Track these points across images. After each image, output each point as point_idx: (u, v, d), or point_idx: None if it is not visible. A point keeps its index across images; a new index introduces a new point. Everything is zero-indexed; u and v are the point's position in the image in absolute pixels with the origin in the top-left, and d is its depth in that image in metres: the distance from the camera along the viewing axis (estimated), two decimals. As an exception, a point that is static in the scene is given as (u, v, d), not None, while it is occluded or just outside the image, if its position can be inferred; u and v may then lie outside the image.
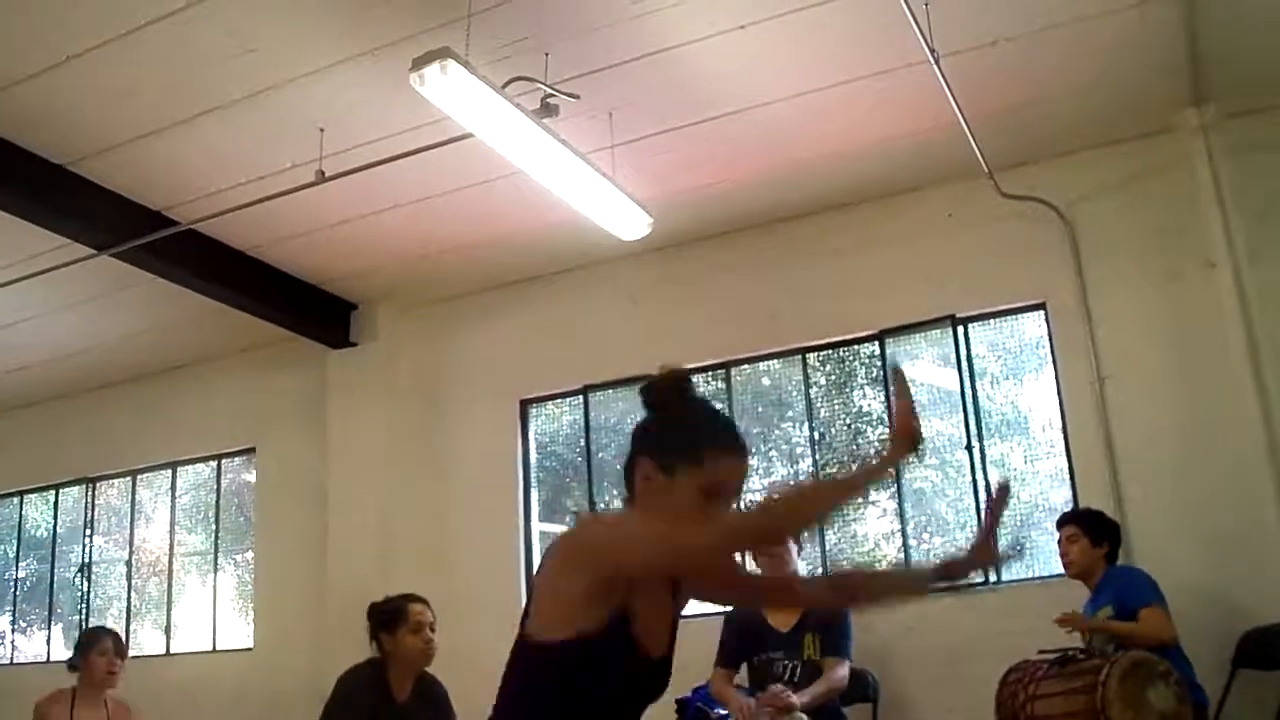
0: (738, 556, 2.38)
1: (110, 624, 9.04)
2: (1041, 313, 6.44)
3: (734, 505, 2.42)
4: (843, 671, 5.47)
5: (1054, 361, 6.34)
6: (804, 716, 4.94)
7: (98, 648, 5.63)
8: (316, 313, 7.88)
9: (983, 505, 2.81)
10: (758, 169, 6.36)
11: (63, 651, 9.31)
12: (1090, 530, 5.31)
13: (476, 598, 7.51)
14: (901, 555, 6.52)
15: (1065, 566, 5.38)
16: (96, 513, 9.61)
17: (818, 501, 2.40)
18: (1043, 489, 6.35)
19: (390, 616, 4.70)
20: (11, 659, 9.82)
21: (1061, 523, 5.45)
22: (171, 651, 8.82)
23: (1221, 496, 5.70)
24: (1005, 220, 6.33)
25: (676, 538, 2.20)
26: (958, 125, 5.39)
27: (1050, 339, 6.38)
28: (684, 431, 2.41)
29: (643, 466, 2.42)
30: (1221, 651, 5.28)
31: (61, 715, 5.52)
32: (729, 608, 5.65)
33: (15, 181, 5.78)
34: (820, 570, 6.67)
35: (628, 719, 2.43)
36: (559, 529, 7.77)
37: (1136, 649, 4.52)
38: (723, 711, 5.37)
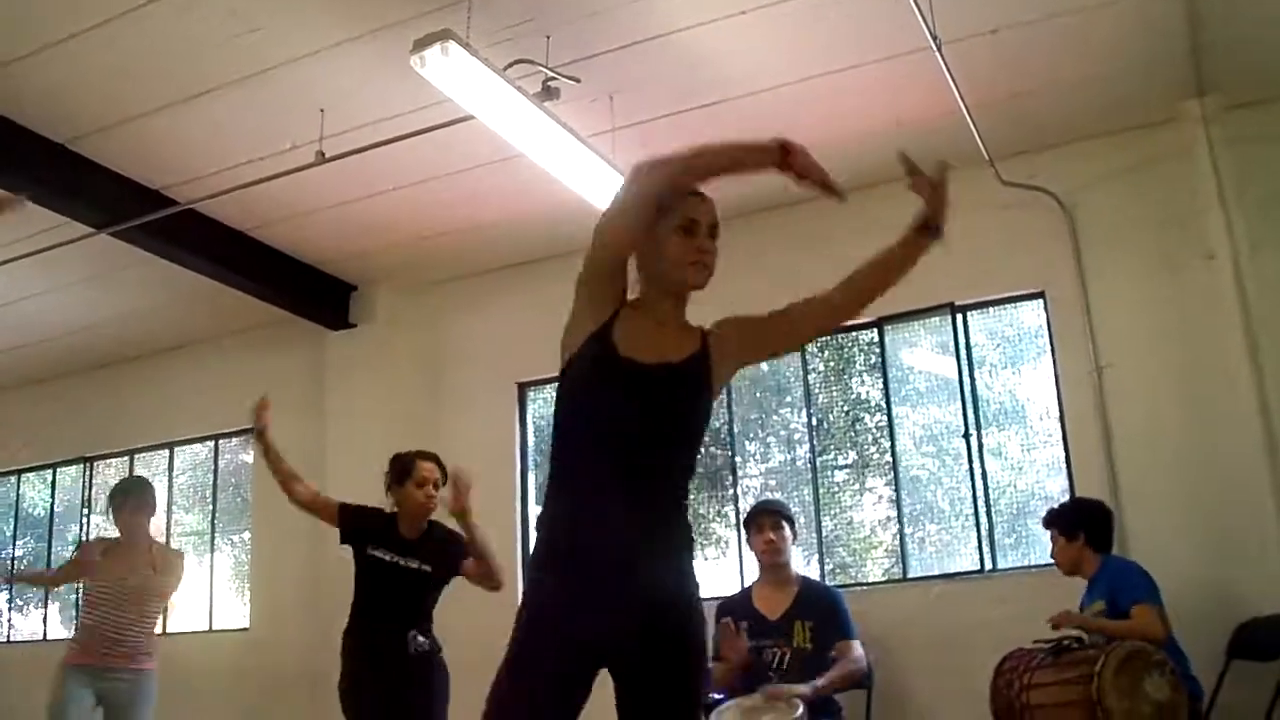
0: None
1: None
2: (1040, 302, 6.44)
3: (711, 235, 2.95)
4: (859, 652, 5.50)
5: (1052, 351, 6.34)
6: (801, 703, 4.94)
7: (128, 504, 5.95)
8: (315, 294, 7.88)
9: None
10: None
11: (59, 629, 9.35)
12: (1063, 527, 5.33)
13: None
14: (897, 543, 6.53)
15: (1058, 567, 5.40)
16: (94, 492, 9.61)
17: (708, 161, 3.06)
18: (1039, 478, 6.35)
19: (401, 469, 5.19)
20: (8, 637, 9.85)
21: (1044, 525, 5.46)
22: (168, 631, 8.82)
23: (1218, 487, 5.71)
24: (1005, 209, 6.32)
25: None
26: (959, 113, 5.38)
27: (1049, 328, 6.38)
28: None
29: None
30: (1216, 642, 5.28)
31: (95, 553, 5.90)
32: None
33: (15, 159, 5.77)
34: (817, 557, 6.68)
35: (650, 431, 2.73)
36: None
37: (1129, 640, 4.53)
38: (717, 696, 5.38)
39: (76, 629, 5.93)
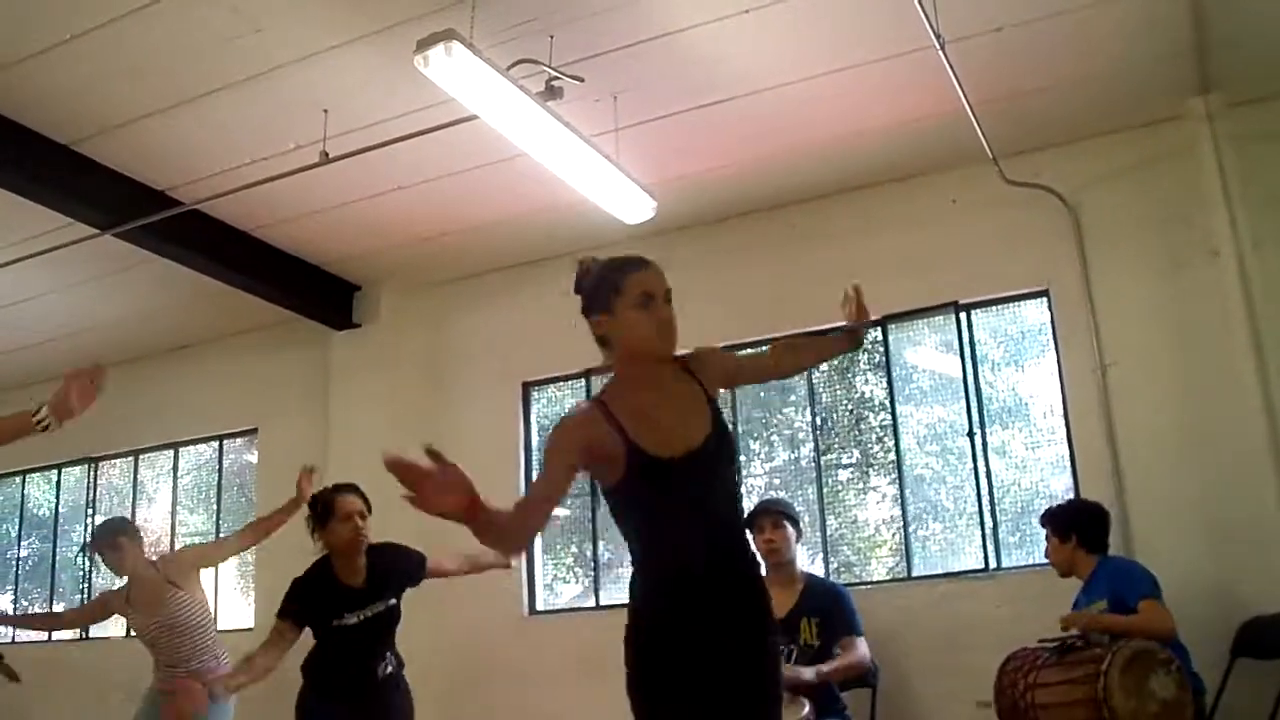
0: None
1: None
2: (1044, 300, 6.43)
3: (667, 300, 3.10)
4: (864, 649, 5.52)
5: (1056, 349, 6.34)
6: (807, 704, 4.94)
7: (121, 540, 6.01)
8: (319, 294, 7.89)
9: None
10: (762, 153, 6.35)
11: (64, 632, 9.35)
12: (1056, 529, 5.34)
13: (477, 580, 7.50)
14: (901, 542, 6.52)
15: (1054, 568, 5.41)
16: (99, 492, 9.63)
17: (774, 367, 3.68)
18: (1044, 477, 6.34)
19: (323, 511, 5.05)
20: (13, 637, 9.84)
21: (1040, 524, 5.47)
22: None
23: (1222, 485, 5.71)
24: (1009, 207, 6.33)
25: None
26: (963, 111, 5.38)
27: (1053, 326, 6.37)
28: (600, 280, 3.12)
29: (595, 324, 3.12)
30: (1220, 640, 5.28)
31: (118, 600, 6.08)
32: None
33: (18, 161, 5.77)
34: (821, 556, 6.68)
35: (713, 495, 3.06)
36: (561, 512, 7.79)
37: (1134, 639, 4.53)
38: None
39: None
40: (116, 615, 6.27)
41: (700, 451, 3.01)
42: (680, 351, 3.17)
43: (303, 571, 5.12)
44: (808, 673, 5.14)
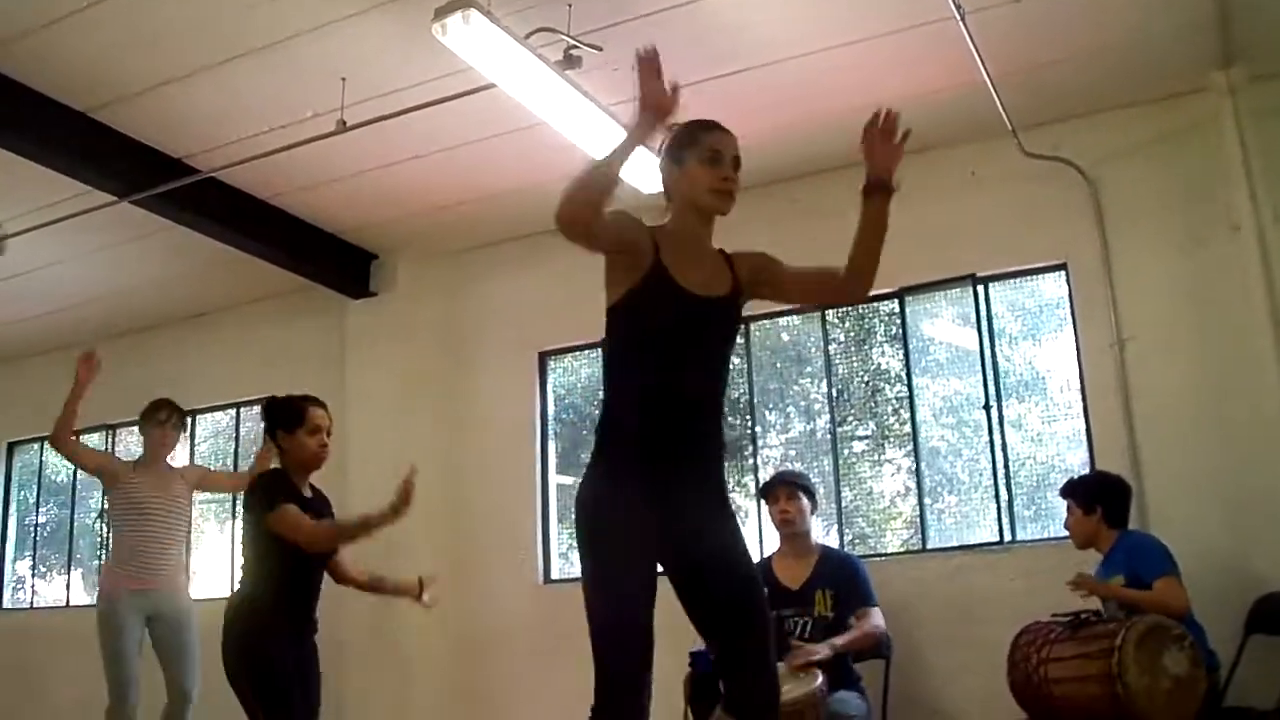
0: None
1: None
2: (1062, 273, 6.41)
3: (734, 166, 3.39)
4: (878, 620, 5.52)
5: (1074, 323, 6.32)
6: (820, 673, 4.95)
7: (156, 419, 6.32)
8: (336, 262, 7.90)
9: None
10: (780, 123, 6.33)
11: (82, 596, 9.41)
12: (1080, 500, 5.32)
13: (493, 549, 7.57)
14: (917, 514, 6.53)
15: (1072, 539, 5.40)
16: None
17: None
18: (1059, 450, 6.33)
19: (290, 416, 4.76)
20: (31, 603, 9.91)
21: (1061, 495, 5.46)
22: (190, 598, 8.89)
23: (1239, 462, 5.69)
24: (1028, 180, 6.30)
25: None
26: (982, 83, 5.35)
27: (1071, 300, 6.35)
28: (678, 135, 3.39)
29: (664, 173, 3.41)
30: (1235, 616, 5.27)
31: (122, 469, 6.25)
32: None
33: (36, 128, 5.78)
34: (836, 527, 6.69)
35: (703, 357, 3.24)
36: (576, 481, 7.81)
37: (1149, 614, 4.53)
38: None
39: (114, 550, 6.07)
40: (104, 474, 6.36)
41: (711, 302, 3.24)
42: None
43: (264, 474, 4.89)
44: (821, 649, 5.14)
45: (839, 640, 5.28)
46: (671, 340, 3.14)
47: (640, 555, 3.03)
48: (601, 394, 3.27)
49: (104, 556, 9.45)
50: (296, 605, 4.66)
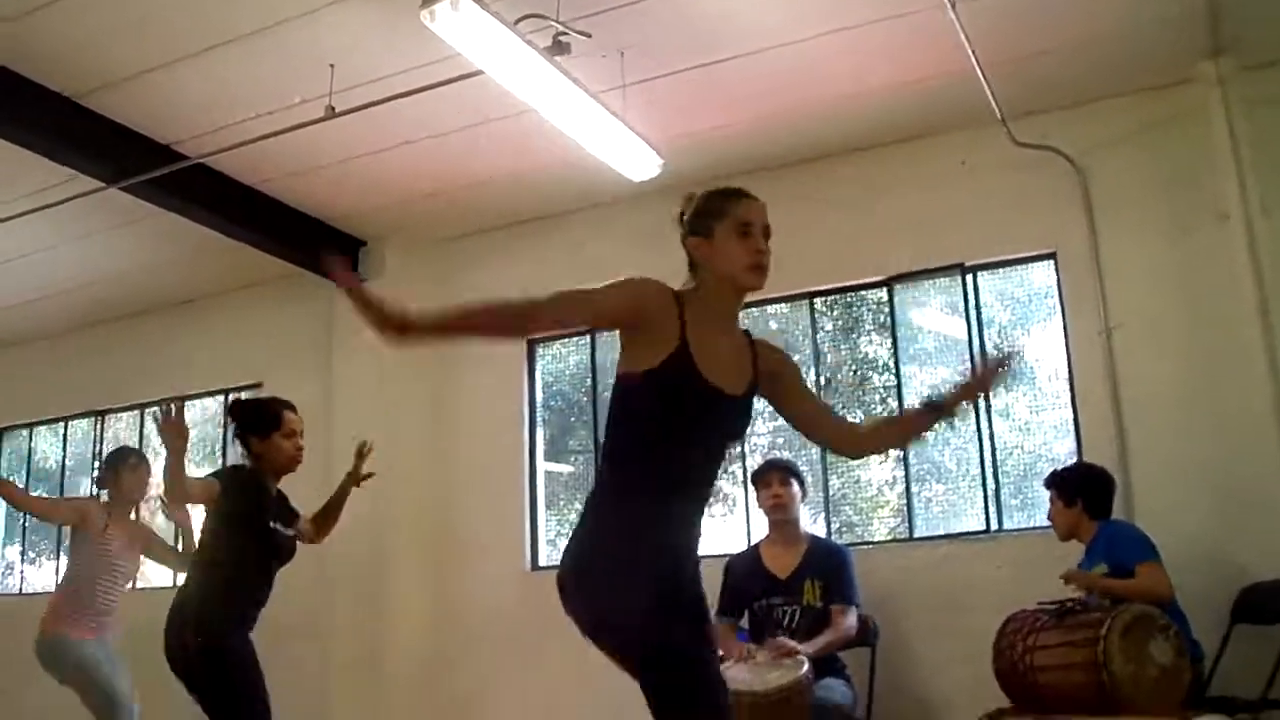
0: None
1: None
2: (1051, 263, 6.41)
3: (765, 236, 3.12)
4: (851, 620, 5.52)
5: (1062, 312, 6.32)
6: (807, 660, 4.96)
7: (128, 464, 6.04)
8: (324, 249, 7.86)
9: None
10: (769, 112, 6.33)
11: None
12: (1062, 492, 5.34)
13: (481, 536, 7.57)
14: (904, 502, 6.54)
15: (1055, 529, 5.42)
16: (105, 445, 9.64)
17: None
18: (1047, 440, 6.35)
19: (264, 420, 4.77)
20: (20, 589, 9.91)
21: (1045, 486, 5.48)
22: (178, 584, 8.87)
23: (1226, 451, 5.71)
24: (1017, 169, 6.30)
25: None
26: (972, 72, 5.35)
27: (1059, 289, 6.36)
28: (706, 204, 3.17)
29: (692, 247, 3.17)
30: (1220, 606, 5.29)
31: (100, 516, 5.87)
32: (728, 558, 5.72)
33: (24, 114, 5.76)
34: (824, 515, 6.70)
35: (708, 450, 3.11)
36: (564, 469, 7.82)
37: (1134, 603, 4.54)
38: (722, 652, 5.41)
39: (74, 596, 5.81)
40: (83, 523, 5.94)
41: (732, 401, 3.07)
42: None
43: (235, 469, 4.87)
44: (800, 648, 5.13)
45: (807, 648, 5.22)
46: (687, 432, 3.00)
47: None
48: (611, 444, 3.13)
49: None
50: (254, 597, 4.69)
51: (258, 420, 4.78)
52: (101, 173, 6.26)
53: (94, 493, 6.08)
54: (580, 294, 3.00)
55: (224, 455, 8.88)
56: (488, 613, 7.36)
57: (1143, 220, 6.12)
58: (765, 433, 7.17)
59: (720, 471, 3.22)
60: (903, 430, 3.59)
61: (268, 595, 4.74)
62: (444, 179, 7.09)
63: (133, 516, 6.31)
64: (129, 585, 6.02)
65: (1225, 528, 5.61)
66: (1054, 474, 5.48)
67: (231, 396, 8.91)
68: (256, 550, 4.61)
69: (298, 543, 4.91)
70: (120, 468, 6.02)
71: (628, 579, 2.85)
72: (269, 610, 4.82)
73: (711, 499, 3.22)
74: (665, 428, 2.98)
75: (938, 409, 3.30)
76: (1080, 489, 5.29)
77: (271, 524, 4.71)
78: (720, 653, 5.39)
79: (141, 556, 6.10)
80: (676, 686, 2.79)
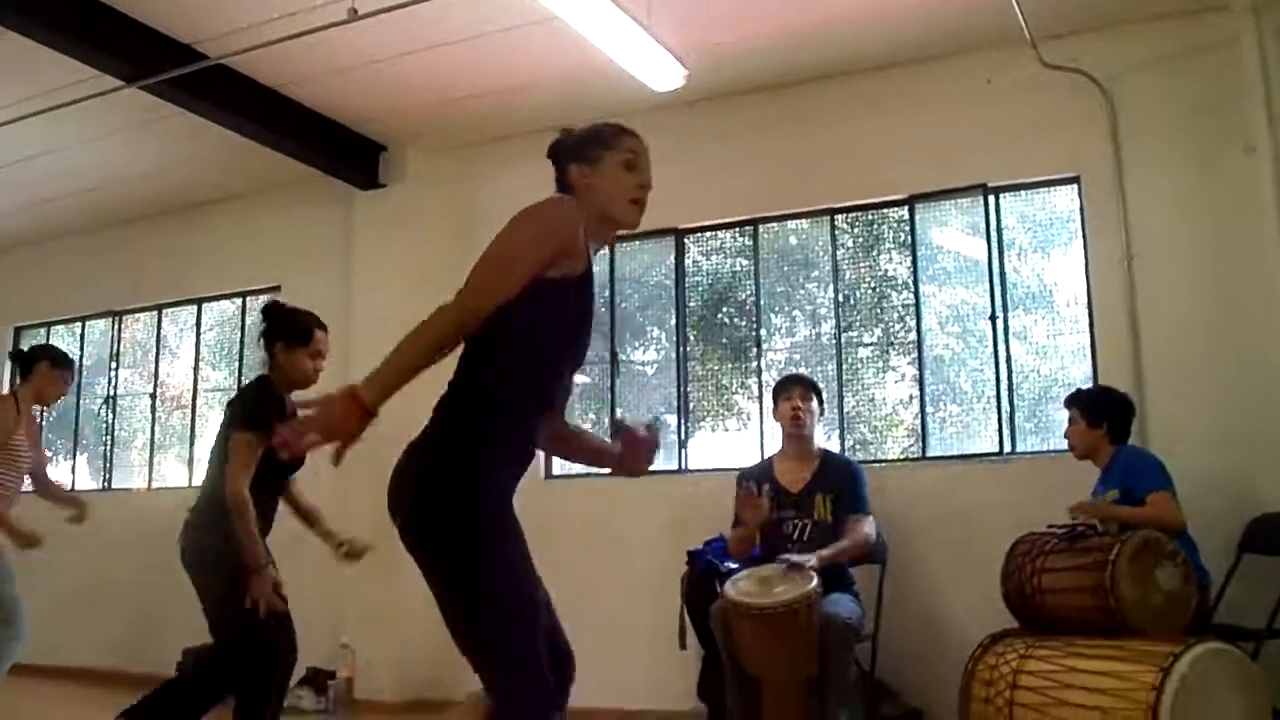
0: None
1: (134, 456, 9.22)
2: (1075, 186, 6.36)
3: (647, 172, 3.06)
4: (868, 527, 5.55)
5: (1084, 236, 6.28)
6: (815, 575, 5.01)
7: (50, 362, 5.79)
8: (345, 153, 7.85)
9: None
10: (796, 25, 6.25)
11: (88, 480, 9.50)
12: (1087, 412, 5.33)
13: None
14: (918, 422, 6.56)
15: (1070, 449, 5.42)
16: (122, 346, 9.70)
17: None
18: (1063, 364, 6.35)
19: (296, 332, 4.69)
20: (15, 497, 9.98)
21: (1066, 404, 5.47)
22: (193, 484, 8.97)
23: (1242, 381, 5.71)
24: (1044, 91, 6.23)
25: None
26: (1003, -11, 5.28)
27: (1082, 213, 6.31)
28: (591, 134, 3.15)
29: (575, 174, 3.11)
30: (1229, 535, 5.33)
31: (8, 421, 5.66)
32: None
33: (43, 12, 5.71)
34: (838, 433, 6.72)
35: (571, 368, 3.04)
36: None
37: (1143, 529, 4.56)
38: (733, 565, 5.46)
39: None
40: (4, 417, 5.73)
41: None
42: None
43: (255, 383, 4.74)
44: (809, 560, 5.18)
45: (825, 552, 5.29)
46: (568, 349, 2.97)
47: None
48: (470, 357, 2.91)
49: (109, 444, 9.55)
50: (264, 507, 4.59)
51: (289, 330, 4.69)
52: (121, 71, 6.22)
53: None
54: (503, 264, 2.89)
55: (240, 357, 8.93)
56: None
57: (1169, 148, 6.06)
58: (781, 349, 7.18)
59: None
60: (584, 450, 3.38)
61: (268, 508, 4.67)
62: (466, 85, 7.03)
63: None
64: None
65: (1237, 457, 5.62)
66: (1078, 393, 5.49)
67: (251, 299, 8.96)
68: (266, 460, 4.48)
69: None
70: (40, 366, 5.81)
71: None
72: (286, 516, 4.86)
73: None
74: (561, 339, 2.94)
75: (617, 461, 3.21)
76: (1106, 411, 5.30)
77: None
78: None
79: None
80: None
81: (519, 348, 2.83)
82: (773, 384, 6.17)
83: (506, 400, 2.86)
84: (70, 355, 6.10)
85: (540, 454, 7.40)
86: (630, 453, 3.14)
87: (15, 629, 5.63)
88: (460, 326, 2.75)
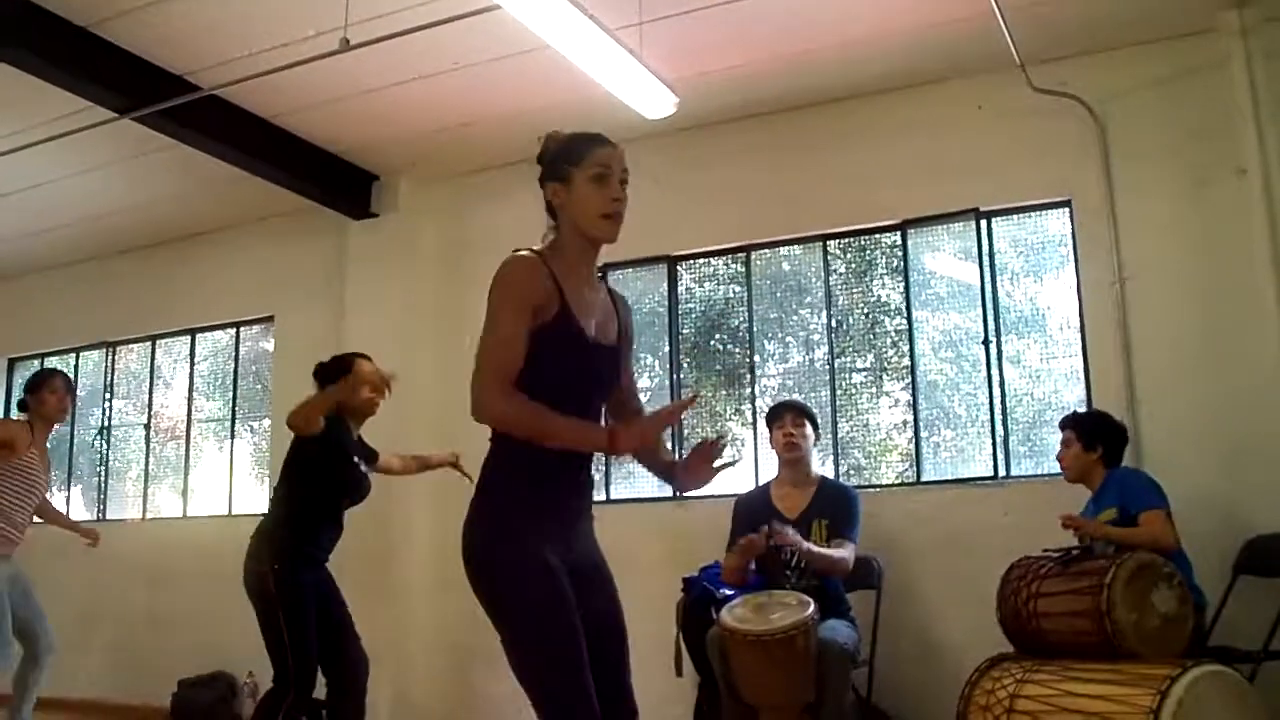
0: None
1: (128, 487, 9.21)
2: (1066, 210, 6.38)
3: (620, 184, 3.05)
4: (845, 553, 5.53)
5: (1076, 260, 6.30)
6: (812, 602, 5.00)
7: (49, 385, 6.13)
8: (338, 183, 7.86)
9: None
10: (787, 52, 6.28)
11: (82, 511, 9.48)
12: (1083, 435, 5.32)
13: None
14: (912, 447, 6.56)
15: (1062, 471, 5.42)
16: (116, 377, 9.70)
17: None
18: (1057, 388, 6.35)
19: (338, 369, 5.12)
20: (31, 518, 9.96)
21: (1060, 426, 5.47)
22: (188, 515, 8.96)
23: (1235, 404, 5.70)
24: (1035, 115, 6.25)
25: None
26: (991, 15, 5.30)
27: (1073, 237, 6.33)
28: (562, 149, 3.10)
29: (550, 192, 3.12)
30: (1225, 556, 5.32)
31: (24, 437, 5.99)
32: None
33: (37, 43, 5.71)
34: (832, 458, 6.72)
35: (588, 402, 3.10)
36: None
37: (1139, 551, 4.55)
38: (728, 591, 5.45)
39: None
40: (12, 443, 5.99)
41: (609, 350, 3.12)
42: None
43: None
44: (789, 531, 5.31)
45: (815, 548, 5.38)
46: (573, 388, 2.99)
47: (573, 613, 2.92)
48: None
49: (103, 475, 9.52)
50: (321, 533, 5.06)
51: (335, 372, 5.10)
52: (114, 103, 6.22)
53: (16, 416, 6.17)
54: (497, 340, 2.94)
55: (234, 388, 8.93)
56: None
57: (1159, 171, 6.08)
58: (775, 375, 7.19)
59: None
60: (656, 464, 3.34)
61: (339, 533, 5.16)
62: (458, 114, 7.05)
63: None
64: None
65: (1232, 479, 5.62)
66: (1074, 416, 5.47)
67: (245, 329, 8.97)
68: (314, 476, 5.00)
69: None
70: (44, 390, 6.09)
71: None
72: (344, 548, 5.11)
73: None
74: (559, 384, 2.94)
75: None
76: (1102, 435, 5.29)
77: (355, 457, 5.15)
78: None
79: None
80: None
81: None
82: (766, 410, 6.17)
83: (515, 450, 2.92)
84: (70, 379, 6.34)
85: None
86: (694, 464, 3.11)
87: (39, 646, 5.96)
88: (504, 412, 2.87)
